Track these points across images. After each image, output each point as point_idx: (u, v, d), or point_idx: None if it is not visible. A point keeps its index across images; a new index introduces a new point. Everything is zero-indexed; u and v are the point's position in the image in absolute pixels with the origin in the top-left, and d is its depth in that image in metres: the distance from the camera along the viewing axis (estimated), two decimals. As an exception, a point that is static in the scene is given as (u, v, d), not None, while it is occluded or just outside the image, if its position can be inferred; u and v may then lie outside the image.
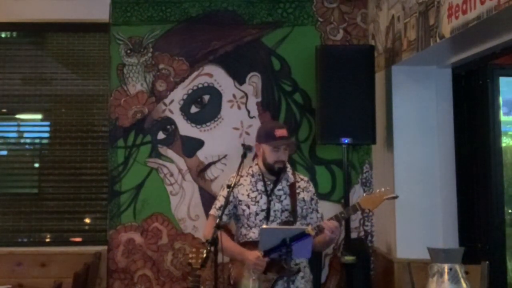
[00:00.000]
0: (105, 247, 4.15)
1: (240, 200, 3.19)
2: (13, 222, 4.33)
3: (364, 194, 3.14)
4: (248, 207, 3.17)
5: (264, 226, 3.10)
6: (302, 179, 3.30)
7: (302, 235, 2.74)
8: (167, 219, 4.19)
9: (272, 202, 3.15)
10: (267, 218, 3.13)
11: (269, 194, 3.17)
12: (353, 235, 4.00)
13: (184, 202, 4.20)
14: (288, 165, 3.29)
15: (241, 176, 3.24)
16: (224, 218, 3.18)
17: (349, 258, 3.64)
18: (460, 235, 3.65)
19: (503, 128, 3.52)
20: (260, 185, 3.20)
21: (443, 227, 3.66)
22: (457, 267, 2.58)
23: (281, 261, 2.94)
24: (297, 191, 3.21)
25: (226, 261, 4.03)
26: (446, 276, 2.56)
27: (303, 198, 3.20)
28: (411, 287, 3.06)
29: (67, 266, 3.85)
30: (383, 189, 3.11)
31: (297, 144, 4.21)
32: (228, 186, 3.08)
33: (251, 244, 3.09)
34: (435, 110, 3.73)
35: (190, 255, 3.14)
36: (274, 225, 3.11)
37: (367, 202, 3.06)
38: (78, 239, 4.32)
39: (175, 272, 4.17)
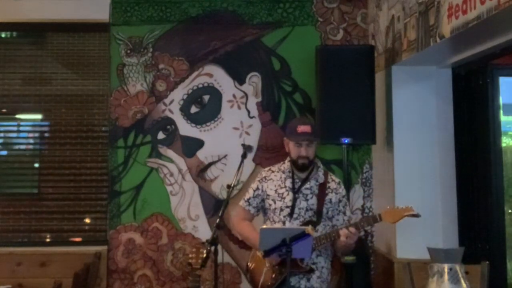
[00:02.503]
0: (105, 247, 4.15)
1: (268, 195, 3.21)
2: (13, 222, 4.33)
3: (388, 207, 3.13)
4: (274, 202, 3.18)
5: (264, 226, 3.10)
6: (333, 180, 3.27)
7: (302, 235, 2.74)
8: (167, 219, 4.20)
9: (297, 200, 3.14)
10: (290, 215, 3.13)
11: (295, 191, 3.17)
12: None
13: (184, 202, 4.21)
14: (321, 165, 3.28)
15: (272, 171, 3.27)
16: (252, 210, 3.24)
17: (349, 258, 3.63)
18: (460, 235, 3.65)
19: (503, 128, 3.51)
20: (288, 182, 3.20)
21: (443, 227, 3.66)
22: (457, 267, 2.58)
23: (296, 258, 2.94)
24: (326, 191, 3.20)
25: (226, 261, 4.05)
26: (446, 276, 2.56)
27: (330, 199, 3.19)
28: (411, 287, 3.06)
29: (67, 266, 3.85)
30: (407, 206, 3.07)
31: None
32: (228, 186, 3.09)
33: None
34: (435, 110, 3.73)
35: (190, 255, 3.13)
36: (274, 225, 3.11)
37: (389, 215, 3.04)
38: (78, 239, 4.32)
39: (175, 272, 4.17)
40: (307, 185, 3.18)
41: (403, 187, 3.69)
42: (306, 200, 3.16)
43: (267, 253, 2.87)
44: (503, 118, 3.51)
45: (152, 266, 4.17)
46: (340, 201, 3.22)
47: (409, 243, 3.58)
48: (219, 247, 2.89)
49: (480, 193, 3.51)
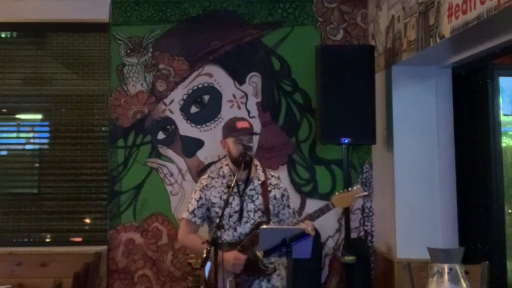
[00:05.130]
0: (105, 247, 4.15)
1: (213, 203, 3.13)
2: (13, 222, 4.33)
3: (337, 193, 3.17)
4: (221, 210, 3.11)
5: (264, 226, 3.07)
6: (272, 176, 3.24)
7: (302, 235, 2.74)
8: (167, 219, 4.20)
9: (244, 203, 3.10)
10: (240, 219, 3.08)
11: (241, 194, 3.11)
12: (353, 235, 4.01)
13: (184, 202, 4.19)
14: (258, 163, 3.25)
15: (212, 178, 3.19)
16: (198, 221, 3.14)
17: (349, 258, 3.64)
18: (460, 235, 3.65)
19: (503, 128, 3.52)
20: None
21: (443, 227, 3.66)
22: (457, 267, 2.58)
23: (257, 261, 2.96)
24: (269, 188, 3.17)
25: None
26: (446, 276, 2.56)
27: (274, 195, 3.16)
28: (411, 287, 3.06)
29: (67, 266, 3.85)
30: (355, 187, 3.17)
31: (295, 143, 4.23)
32: (228, 187, 3.06)
33: (227, 246, 3.06)
34: (435, 110, 3.73)
35: (190, 255, 3.13)
36: (273, 225, 3.09)
37: (339, 200, 3.11)
38: (78, 239, 4.32)
39: (175, 272, 4.17)
40: (251, 186, 3.14)
41: (403, 187, 3.70)
42: (253, 201, 3.12)
43: (267, 253, 2.87)
44: (503, 118, 3.51)
45: (152, 266, 4.17)
46: (283, 195, 3.21)
47: (409, 243, 3.59)
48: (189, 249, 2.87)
49: (480, 193, 3.51)
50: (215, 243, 2.74)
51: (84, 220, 4.38)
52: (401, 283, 3.34)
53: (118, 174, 4.22)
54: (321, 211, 3.10)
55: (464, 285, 2.55)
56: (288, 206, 3.24)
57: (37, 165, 4.47)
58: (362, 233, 4.19)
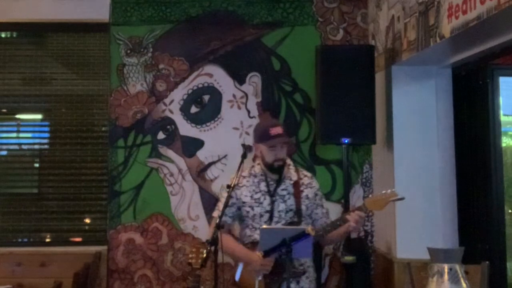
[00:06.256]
0: (105, 247, 4.15)
1: (243, 202, 3.13)
2: (13, 222, 4.33)
3: (370, 196, 3.11)
4: (252, 209, 3.12)
5: (264, 226, 3.08)
6: (305, 176, 3.22)
7: (302, 235, 2.74)
8: (167, 219, 4.20)
9: (275, 203, 3.09)
10: (270, 219, 3.08)
11: (272, 194, 3.11)
12: (353, 235, 4.00)
13: (184, 202, 4.21)
14: (291, 162, 3.24)
15: (244, 177, 3.18)
16: (228, 220, 3.14)
17: (349, 258, 3.64)
18: (460, 235, 3.65)
19: (503, 128, 3.52)
20: (263, 186, 3.15)
21: (443, 227, 3.66)
22: (457, 267, 2.58)
23: (286, 263, 2.94)
24: (301, 188, 3.15)
25: (226, 261, 4.03)
26: (446, 276, 2.56)
27: (307, 195, 3.14)
28: (411, 287, 3.06)
29: (67, 266, 3.84)
30: (389, 190, 3.02)
31: (295, 143, 4.23)
32: (228, 186, 3.05)
33: (256, 245, 3.07)
34: (435, 110, 3.73)
35: (190, 255, 3.12)
36: (273, 225, 3.09)
37: (373, 203, 2.99)
38: (78, 239, 4.32)
39: (175, 272, 4.17)
40: (282, 186, 3.13)
41: (403, 187, 3.67)
42: (284, 201, 3.11)
43: (267, 253, 2.87)
44: (503, 118, 3.52)
45: (152, 266, 4.17)
46: (316, 194, 3.19)
47: (409, 243, 3.58)
48: (219, 247, 2.88)
49: (480, 193, 3.51)
50: (215, 243, 2.75)
51: (84, 220, 4.38)
52: (401, 283, 3.35)
53: (118, 174, 4.22)
54: (359, 211, 3.00)
55: (464, 285, 2.55)
56: (322, 206, 3.21)
57: (37, 165, 4.48)
58: (362, 233, 4.19)
